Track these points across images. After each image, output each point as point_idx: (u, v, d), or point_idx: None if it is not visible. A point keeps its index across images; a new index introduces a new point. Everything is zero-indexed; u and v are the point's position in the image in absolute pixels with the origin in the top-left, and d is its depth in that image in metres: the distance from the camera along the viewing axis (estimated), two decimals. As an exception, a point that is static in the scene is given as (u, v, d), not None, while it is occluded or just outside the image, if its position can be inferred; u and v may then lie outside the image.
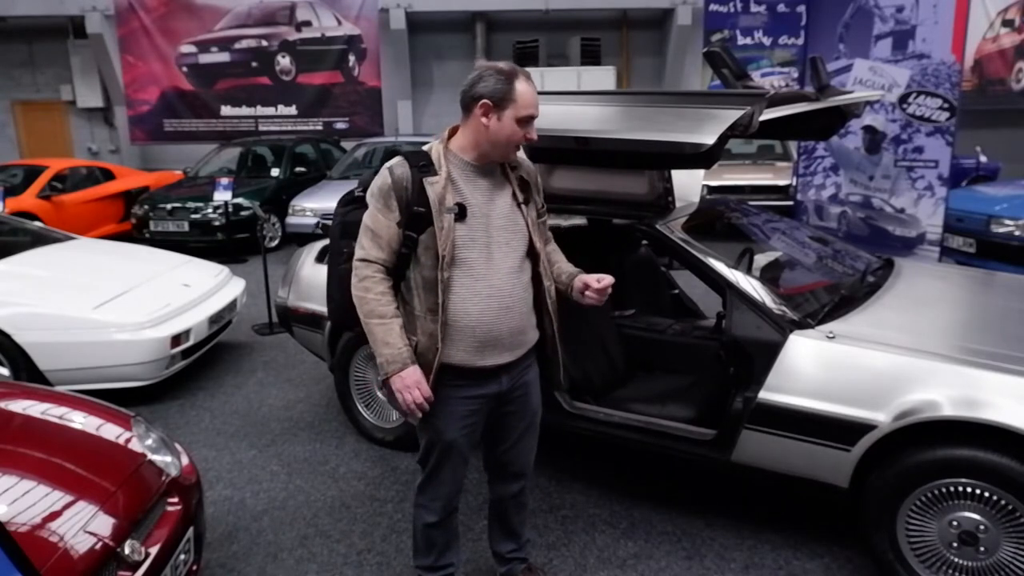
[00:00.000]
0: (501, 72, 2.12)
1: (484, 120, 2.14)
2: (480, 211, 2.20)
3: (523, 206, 2.28)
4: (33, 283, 4.66)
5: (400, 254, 2.20)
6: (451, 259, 2.15)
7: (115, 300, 4.53)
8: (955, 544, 2.53)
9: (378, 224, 2.19)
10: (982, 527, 2.48)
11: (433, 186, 2.16)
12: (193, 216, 9.00)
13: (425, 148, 2.26)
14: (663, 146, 2.81)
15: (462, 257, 2.17)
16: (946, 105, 5.32)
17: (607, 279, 2.31)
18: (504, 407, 2.40)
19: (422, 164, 2.19)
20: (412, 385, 2.16)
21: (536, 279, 2.33)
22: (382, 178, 2.21)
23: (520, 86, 2.12)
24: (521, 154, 2.39)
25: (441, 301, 2.15)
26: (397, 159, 2.24)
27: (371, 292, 2.19)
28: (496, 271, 2.20)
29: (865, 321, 2.92)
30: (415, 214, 2.15)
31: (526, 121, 2.15)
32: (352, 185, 2.58)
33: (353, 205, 2.46)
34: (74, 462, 2.30)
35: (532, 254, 2.31)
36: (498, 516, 2.69)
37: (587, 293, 2.33)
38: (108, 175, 10.27)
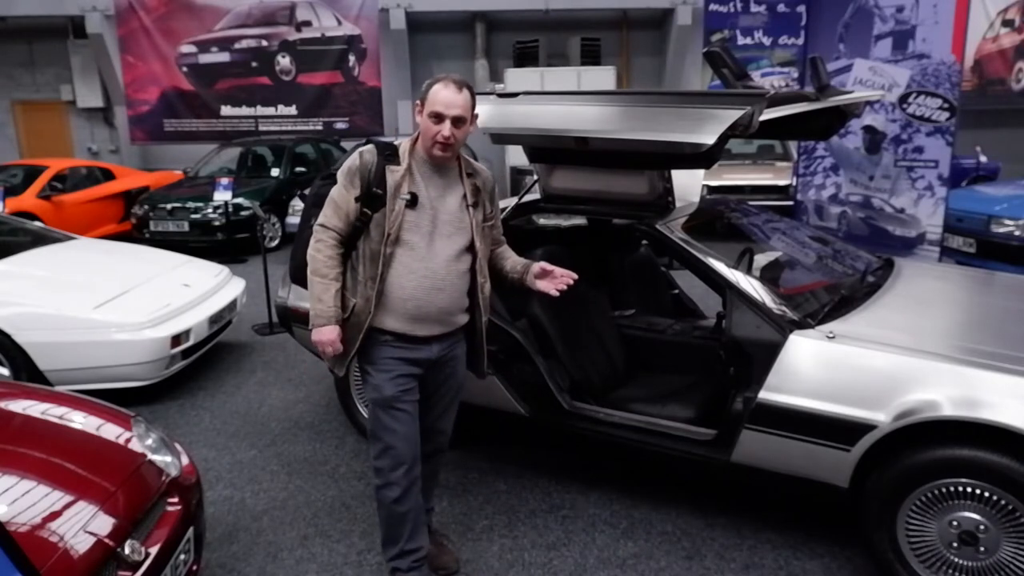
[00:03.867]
0: (436, 79, 2.42)
1: (418, 118, 2.44)
2: (430, 204, 2.47)
3: (471, 208, 2.53)
4: (33, 283, 4.66)
5: (355, 227, 2.48)
6: (395, 238, 2.43)
7: (115, 300, 4.53)
8: (955, 544, 2.53)
9: (341, 197, 2.48)
10: (982, 527, 2.48)
11: (393, 174, 2.44)
12: (193, 216, 8.99)
13: (396, 142, 2.53)
14: (663, 146, 2.81)
15: (405, 239, 2.44)
16: (946, 105, 5.32)
17: (567, 274, 2.56)
18: (435, 377, 2.63)
19: (388, 153, 2.47)
20: (327, 342, 2.47)
21: (472, 274, 2.57)
22: (352, 159, 2.49)
23: (436, 87, 2.40)
24: (483, 167, 2.66)
25: (380, 272, 2.43)
26: (368, 146, 2.52)
27: (321, 253, 2.48)
28: (435, 256, 2.47)
29: (865, 321, 2.91)
30: (373, 195, 2.43)
31: (436, 117, 2.38)
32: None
33: (329, 180, 2.69)
34: (74, 462, 2.30)
35: (472, 250, 2.55)
36: None
37: (540, 283, 2.58)
38: (108, 175, 10.26)
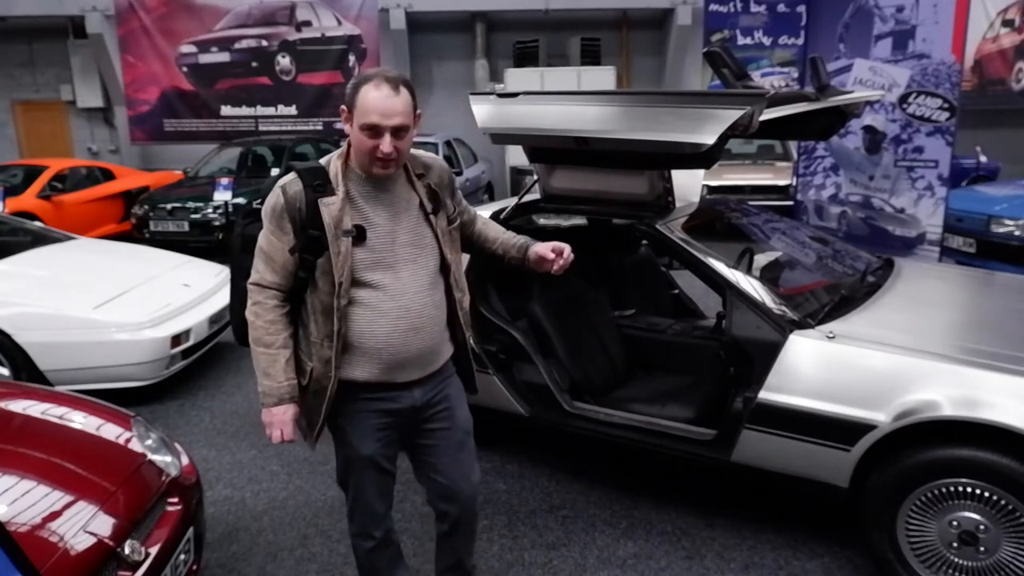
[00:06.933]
0: (364, 77, 1.98)
1: (346, 128, 2.02)
2: (384, 230, 2.06)
3: (432, 217, 2.14)
4: (33, 283, 4.66)
5: (298, 277, 2.06)
6: (350, 284, 2.02)
7: (115, 300, 4.53)
8: (955, 544, 2.53)
9: (272, 247, 2.05)
10: (982, 527, 2.47)
11: (328, 208, 2.00)
12: (193, 216, 8.99)
13: (323, 161, 2.11)
14: (663, 146, 2.81)
15: (366, 280, 2.04)
16: (946, 105, 5.32)
17: (566, 249, 2.27)
18: (426, 424, 2.25)
19: (317, 184, 2.02)
20: (278, 424, 2.10)
21: (448, 292, 2.20)
22: (274, 197, 2.04)
23: (366, 89, 1.94)
24: (432, 157, 2.26)
25: (337, 328, 2.03)
26: (291, 176, 2.06)
27: (260, 319, 2.07)
28: (405, 291, 2.08)
29: (865, 321, 2.91)
30: (310, 237, 2.01)
31: (371, 130, 1.94)
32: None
33: (252, 218, 2.27)
34: (74, 462, 2.30)
35: (444, 267, 2.18)
36: (443, 536, 2.47)
37: (549, 269, 2.29)
38: (108, 175, 10.27)
